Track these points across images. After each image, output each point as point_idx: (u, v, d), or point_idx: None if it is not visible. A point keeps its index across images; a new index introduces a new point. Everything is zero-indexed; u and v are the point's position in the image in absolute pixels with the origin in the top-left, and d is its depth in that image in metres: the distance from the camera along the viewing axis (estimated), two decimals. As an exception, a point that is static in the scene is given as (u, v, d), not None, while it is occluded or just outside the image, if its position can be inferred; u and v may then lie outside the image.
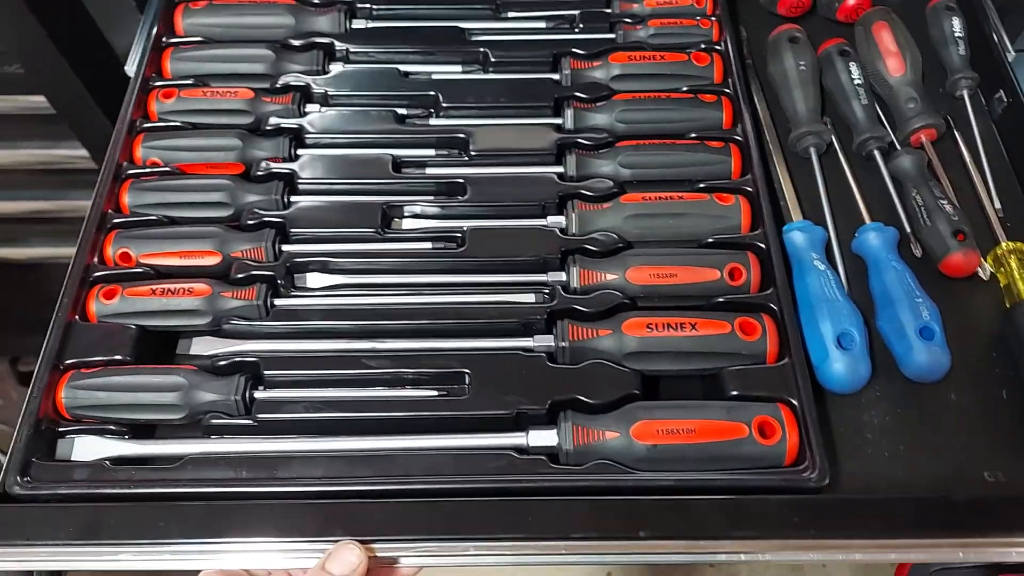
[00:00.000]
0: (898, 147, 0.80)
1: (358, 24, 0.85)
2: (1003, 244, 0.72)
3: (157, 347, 0.68)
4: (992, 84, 0.84)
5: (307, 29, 0.84)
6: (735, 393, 0.63)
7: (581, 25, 0.86)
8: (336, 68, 0.82)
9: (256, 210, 0.72)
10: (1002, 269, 0.72)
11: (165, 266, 0.69)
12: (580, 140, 0.77)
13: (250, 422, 0.63)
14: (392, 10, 0.87)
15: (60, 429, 0.62)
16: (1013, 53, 0.86)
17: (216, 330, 0.67)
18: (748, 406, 0.61)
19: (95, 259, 0.69)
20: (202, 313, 0.66)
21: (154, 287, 0.67)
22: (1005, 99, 0.83)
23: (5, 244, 1.45)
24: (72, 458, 0.61)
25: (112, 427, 0.63)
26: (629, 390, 0.63)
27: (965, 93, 0.84)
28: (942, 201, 0.74)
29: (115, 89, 0.82)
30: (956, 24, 0.86)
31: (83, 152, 1.24)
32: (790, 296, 0.68)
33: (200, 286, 0.67)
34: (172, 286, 0.67)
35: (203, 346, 0.67)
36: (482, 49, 0.83)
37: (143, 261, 0.69)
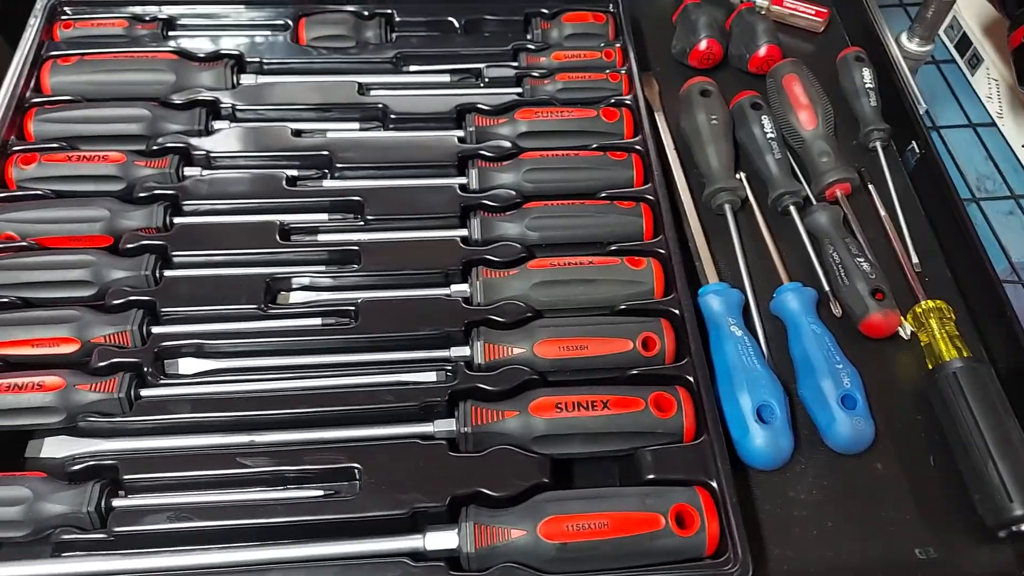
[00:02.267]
0: (814, 202, 0.78)
1: (247, 79, 0.79)
2: (922, 303, 0.70)
3: (5, 449, 0.59)
4: (905, 136, 0.83)
5: (189, 85, 0.78)
6: (651, 477, 0.58)
7: (487, 79, 0.82)
8: (221, 127, 0.76)
9: (123, 288, 0.65)
10: (923, 328, 0.69)
11: (15, 356, 0.61)
12: (485, 201, 0.73)
13: (106, 536, 0.55)
14: (284, 64, 0.82)
15: None
16: (924, 105, 0.86)
17: (72, 427, 0.59)
18: (665, 492, 0.56)
19: (-70, 350, 0.61)
20: (55, 410, 0.58)
21: (-2, 382, 0.58)
22: (918, 151, 0.82)
23: None
24: None
25: (-58, 549, 0.54)
26: (538, 479, 0.58)
27: (878, 145, 0.83)
28: (859, 259, 0.71)
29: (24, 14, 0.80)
30: (867, 75, 0.85)
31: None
32: (706, 366, 0.64)
33: (52, 379, 0.59)
34: (20, 380, 0.59)
35: (54, 448, 0.59)
36: (380, 105, 0.78)
37: (-12, 352, 0.61)
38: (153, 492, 0.57)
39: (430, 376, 0.64)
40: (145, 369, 0.61)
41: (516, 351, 0.63)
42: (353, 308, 0.66)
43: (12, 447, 0.60)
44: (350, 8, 0.84)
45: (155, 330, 0.63)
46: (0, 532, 0.55)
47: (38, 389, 0.58)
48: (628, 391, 0.61)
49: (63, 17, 0.82)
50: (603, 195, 0.74)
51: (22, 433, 0.60)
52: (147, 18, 0.82)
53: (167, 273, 0.66)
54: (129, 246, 0.67)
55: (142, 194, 0.70)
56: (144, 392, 0.61)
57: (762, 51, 0.87)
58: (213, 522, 0.55)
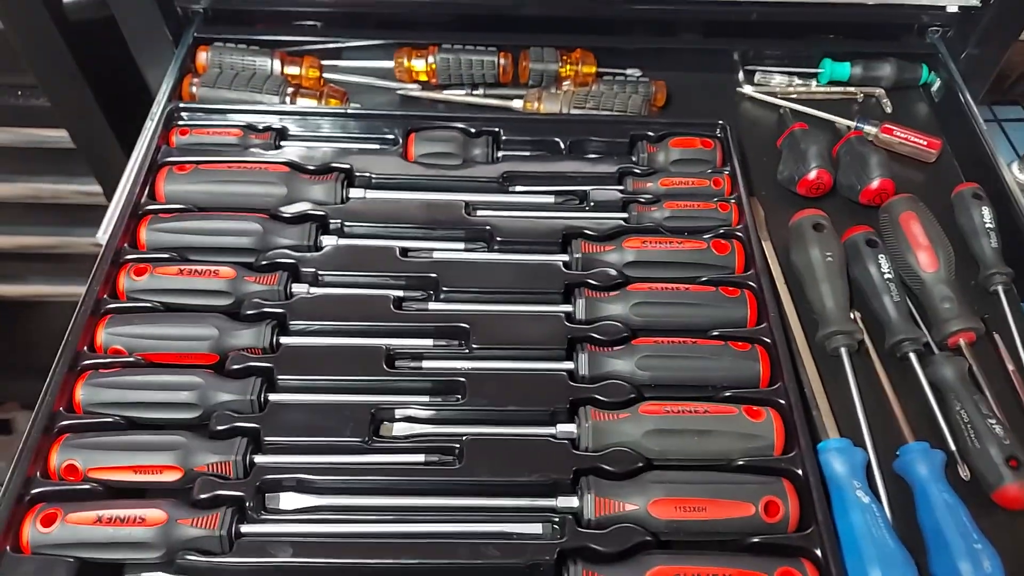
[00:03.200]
0: (935, 349, 0.74)
1: (355, 193, 0.79)
2: (1062, 475, 0.65)
3: (96, 582, 0.58)
4: (1028, 280, 0.79)
5: (300, 198, 0.78)
6: (776, 666, 0.54)
7: (592, 203, 0.81)
8: (329, 242, 0.76)
9: (228, 412, 0.64)
10: (1062, 502, 0.64)
11: (117, 482, 0.60)
12: (592, 334, 0.71)
13: None
14: (392, 178, 0.82)
15: None
16: (1049, 248, 0.82)
17: (169, 562, 0.57)
18: None
19: (37, 472, 0.60)
20: (154, 546, 0.57)
21: (100, 514, 0.57)
22: (1045, 299, 0.78)
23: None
24: None
25: None
26: (654, 661, 0.54)
27: (1000, 288, 0.79)
28: (990, 420, 0.67)
29: (139, 126, 0.85)
30: (986, 214, 0.82)
31: (96, 188, 1.26)
32: (835, 537, 0.59)
33: (154, 513, 0.57)
34: (122, 513, 0.57)
35: (150, 587, 0.57)
36: (487, 227, 0.78)
37: (91, 476, 0.60)
38: (249, 643, 0.55)
39: (535, 528, 0.61)
40: (247, 503, 0.60)
41: (628, 507, 0.60)
42: (457, 445, 0.64)
43: (104, 579, 0.58)
44: (459, 124, 0.85)
45: (258, 460, 0.62)
46: None
47: (140, 523, 0.57)
48: (752, 564, 0.57)
49: (179, 123, 0.84)
50: (715, 334, 0.71)
51: (115, 566, 0.59)
52: (261, 127, 0.83)
53: (272, 397, 0.65)
54: (235, 367, 0.66)
55: (250, 311, 0.70)
56: (244, 528, 0.59)
57: (875, 184, 0.84)
58: None
